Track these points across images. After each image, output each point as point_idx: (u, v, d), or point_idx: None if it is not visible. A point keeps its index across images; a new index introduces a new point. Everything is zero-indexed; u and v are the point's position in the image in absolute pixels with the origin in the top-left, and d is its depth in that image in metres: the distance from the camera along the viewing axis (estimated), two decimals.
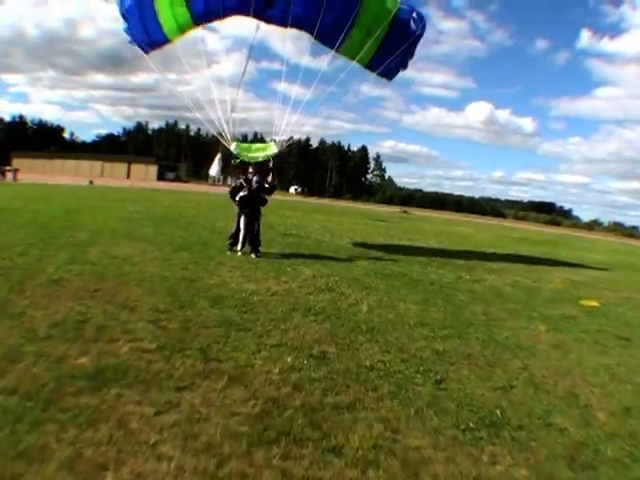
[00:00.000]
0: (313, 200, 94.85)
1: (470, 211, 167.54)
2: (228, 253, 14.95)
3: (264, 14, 16.06)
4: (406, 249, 21.93)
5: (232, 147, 15.96)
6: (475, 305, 11.91)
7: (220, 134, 16.29)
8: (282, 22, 16.03)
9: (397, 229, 36.27)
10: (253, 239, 15.21)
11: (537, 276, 18.34)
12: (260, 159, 16.07)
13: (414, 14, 16.20)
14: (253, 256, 14.69)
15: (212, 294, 9.75)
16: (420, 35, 16.72)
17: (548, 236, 65.92)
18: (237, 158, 15.92)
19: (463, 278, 15.71)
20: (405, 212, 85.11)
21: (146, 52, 17.15)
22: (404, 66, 18.01)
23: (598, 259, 32.67)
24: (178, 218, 24.17)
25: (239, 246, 15.05)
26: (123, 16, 16.47)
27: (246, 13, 15.81)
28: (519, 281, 16.50)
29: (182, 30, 16.48)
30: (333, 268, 14.17)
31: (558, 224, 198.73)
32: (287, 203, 55.26)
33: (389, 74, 17.76)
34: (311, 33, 15.82)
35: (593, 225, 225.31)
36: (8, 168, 68.53)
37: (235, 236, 15.31)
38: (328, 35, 15.85)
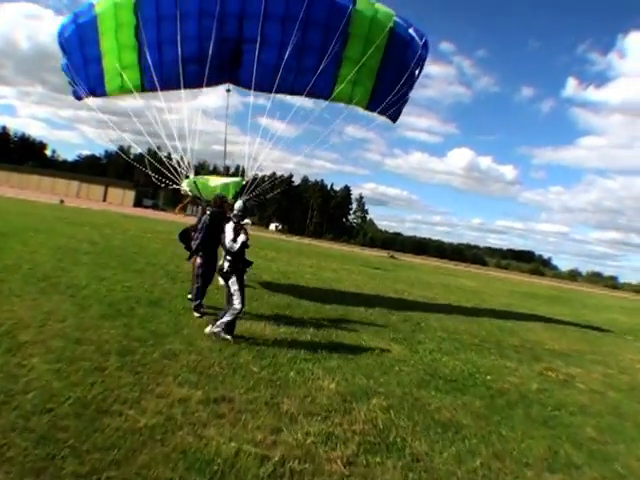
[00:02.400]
0: (294, 239, 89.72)
1: (452, 258, 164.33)
2: (196, 315, 10.08)
3: (232, 77, 13.26)
4: (433, 315, 16.67)
5: (183, 184, 12.59)
6: (616, 446, 7.06)
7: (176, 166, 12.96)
8: (251, 84, 12.74)
9: (399, 281, 30.84)
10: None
11: (614, 363, 13.92)
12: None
13: (412, 30, 13.09)
14: (228, 337, 8.78)
15: (132, 475, 4.15)
16: (424, 56, 13.51)
17: (548, 290, 62.48)
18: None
19: (546, 376, 10.61)
20: (392, 257, 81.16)
21: (79, 98, 14.18)
22: (405, 99, 14.28)
23: (628, 323, 29.02)
24: (136, 253, 18.73)
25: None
26: (62, 48, 13.42)
27: (209, 83, 12.91)
28: (610, 376, 12.00)
29: (127, 91, 13.53)
30: (364, 368, 8.56)
31: (541, 274, 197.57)
32: (268, 241, 49.84)
33: (392, 113, 14.42)
34: (292, 92, 13.09)
35: (575, 275, 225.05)
36: None
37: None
38: (312, 83, 12.57)
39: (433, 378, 8.75)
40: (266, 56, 11.93)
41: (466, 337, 13.68)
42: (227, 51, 12.33)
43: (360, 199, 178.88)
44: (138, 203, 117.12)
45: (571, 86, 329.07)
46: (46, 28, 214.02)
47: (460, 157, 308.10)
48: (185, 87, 12.53)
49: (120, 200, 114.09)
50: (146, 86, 13.09)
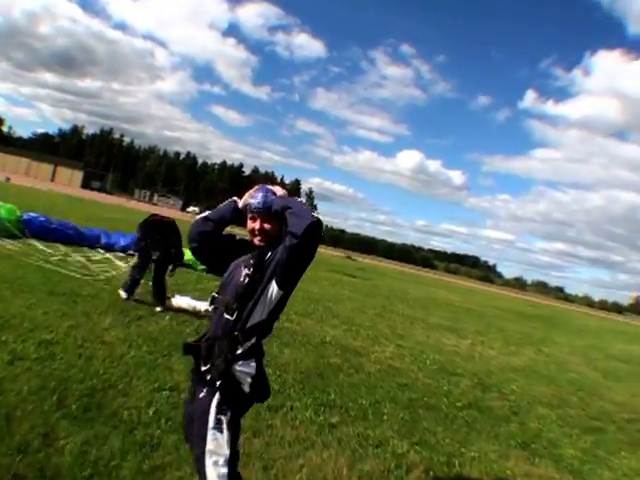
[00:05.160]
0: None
1: (399, 259, 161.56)
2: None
3: None
4: (493, 369, 12.25)
5: None
6: None
7: None
8: None
9: (385, 295, 26.43)
10: None
11: None
12: None
13: None
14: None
15: None
16: None
17: (527, 306, 58.54)
18: None
19: None
20: (350, 258, 77.11)
21: None
22: None
23: None
24: (72, 258, 13.08)
25: None
26: None
27: None
28: None
29: None
30: None
31: (491, 281, 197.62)
32: None
33: None
34: None
35: (523, 284, 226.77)
36: None
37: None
38: None
39: None
40: None
41: (574, 413, 9.55)
42: None
43: (310, 194, 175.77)
44: (86, 184, 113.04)
45: (530, 98, 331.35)
46: (18, 4, 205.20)
47: (409, 159, 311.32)
48: None
49: (68, 180, 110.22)
50: None
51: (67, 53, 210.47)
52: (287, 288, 3.09)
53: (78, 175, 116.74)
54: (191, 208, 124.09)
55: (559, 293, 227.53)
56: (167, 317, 8.98)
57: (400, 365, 10.01)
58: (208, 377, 3.01)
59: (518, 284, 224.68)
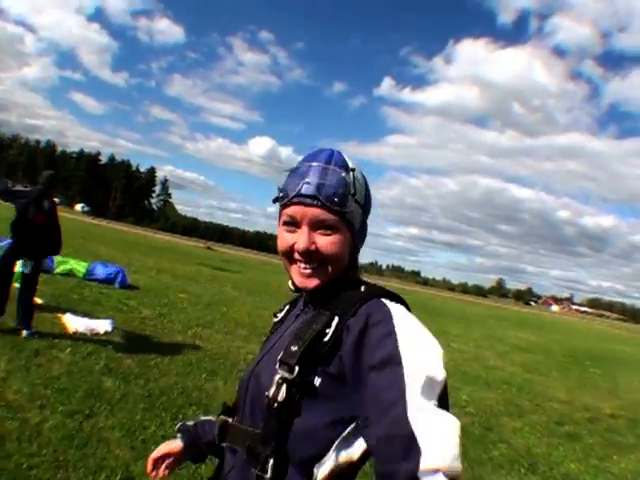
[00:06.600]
0: (104, 224, 78.73)
1: (251, 246, 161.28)
2: None
3: None
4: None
5: None
6: None
7: None
8: None
9: (270, 293, 24.20)
10: None
11: None
12: None
13: None
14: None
15: None
16: None
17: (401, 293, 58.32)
18: None
19: None
20: (210, 248, 75.36)
21: None
22: None
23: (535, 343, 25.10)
24: None
25: None
26: None
27: None
28: None
29: None
30: None
31: None
32: (82, 227, 42.22)
33: None
34: None
35: (380, 269, 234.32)
36: None
37: None
38: None
39: None
40: None
41: (538, 420, 9.12)
42: None
43: (165, 182, 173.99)
44: None
45: (386, 86, 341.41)
46: None
47: (261, 145, 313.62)
48: None
49: None
50: None
51: None
52: None
53: None
54: None
55: (417, 277, 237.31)
56: (67, 350, 6.88)
57: None
58: None
59: (374, 269, 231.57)
